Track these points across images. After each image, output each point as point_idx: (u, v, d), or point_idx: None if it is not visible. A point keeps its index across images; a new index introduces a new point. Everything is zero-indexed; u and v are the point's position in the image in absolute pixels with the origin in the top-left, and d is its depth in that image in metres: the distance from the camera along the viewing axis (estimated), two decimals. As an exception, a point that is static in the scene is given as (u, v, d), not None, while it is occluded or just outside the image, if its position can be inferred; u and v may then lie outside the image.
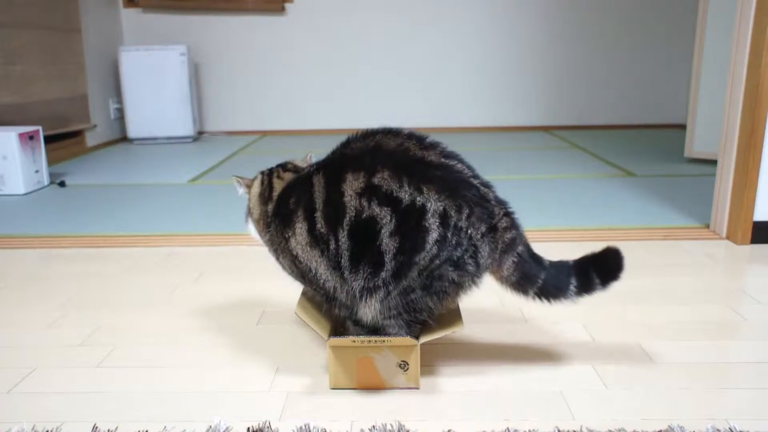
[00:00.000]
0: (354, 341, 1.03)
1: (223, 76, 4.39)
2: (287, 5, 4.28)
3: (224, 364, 1.17)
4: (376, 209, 0.97)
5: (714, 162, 2.93)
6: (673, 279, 1.57)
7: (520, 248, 1.04)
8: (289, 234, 1.04)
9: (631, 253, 1.76)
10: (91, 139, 3.85)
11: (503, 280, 1.05)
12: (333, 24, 4.32)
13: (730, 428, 0.94)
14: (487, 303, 1.42)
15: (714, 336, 1.25)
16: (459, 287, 1.02)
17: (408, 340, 1.02)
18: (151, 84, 4.04)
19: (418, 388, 1.06)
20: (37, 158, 2.79)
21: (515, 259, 1.04)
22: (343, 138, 1.07)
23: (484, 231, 1.00)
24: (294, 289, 1.17)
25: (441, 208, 0.97)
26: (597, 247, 1.84)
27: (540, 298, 1.06)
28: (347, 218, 0.98)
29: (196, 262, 1.75)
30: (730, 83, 1.85)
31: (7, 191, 2.68)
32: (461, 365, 1.15)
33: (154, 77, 4.04)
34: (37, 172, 2.78)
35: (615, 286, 1.52)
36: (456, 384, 1.08)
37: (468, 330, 1.28)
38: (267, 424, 0.97)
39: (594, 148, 3.62)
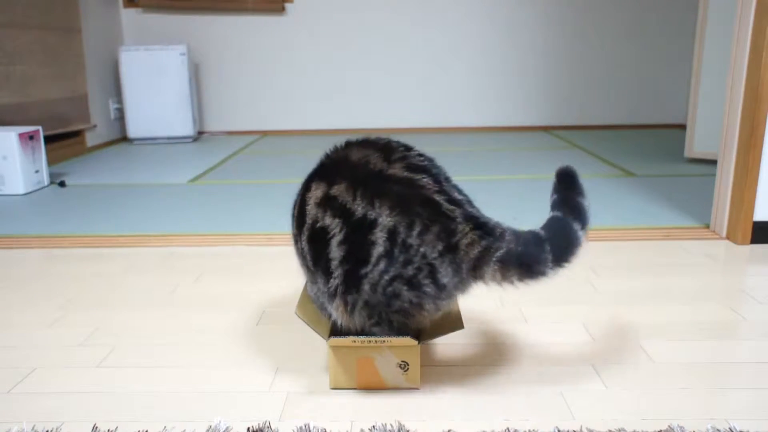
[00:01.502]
0: (354, 341, 1.03)
1: (223, 76, 4.39)
2: (287, 5, 4.28)
3: (224, 364, 1.17)
4: (328, 220, 0.99)
5: (714, 162, 2.93)
6: (673, 279, 1.57)
7: (499, 254, 0.96)
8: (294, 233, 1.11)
9: (630, 253, 1.77)
10: (91, 139, 3.85)
11: (507, 284, 0.99)
12: (333, 24, 4.32)
13: (730, 428, 0.94)
14: (487, 303, 1.42)
15: (714, 336, 1.25)
16: (420, 308, 0.99)
17: (408, 341, 1.02)
18: (151, 84, 4.05)
19: (418, 388, 1.06)
20: (37, 158, 2.79)
21: (498, 266, 0.97)
22: (342, 138, 1.08)
23: (441, 250, 0.95)
24: (294, 289, 1.17)
25: (391, 223, 0.95)
26: (597, 246, 1.84)
27: (557, 268, 0.99)
28: (306, 225, 1.03)
29: (196, 262, 1.75)
30: (730, 83, 1.85)
31: (7, 191, 2.68)
32: (461, 365, 1.15)
33: (154, 77, 4.04)
34: (37, 172, 2.78)
35: (615, 286, 1.53)
36: (456, 384, 1.08)
37: (468, 330, 1.28)
38: (267, 424, 0.97)
39: (594, 148, 3.62)
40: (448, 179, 1.04)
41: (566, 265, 1.00)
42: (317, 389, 1.07)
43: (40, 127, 2.84)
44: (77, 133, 3.70)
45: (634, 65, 4.38)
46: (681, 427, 0.94)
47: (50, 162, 3.25)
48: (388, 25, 4.32)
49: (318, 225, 1.01)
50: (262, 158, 3.48)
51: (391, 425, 0.96)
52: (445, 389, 1.07)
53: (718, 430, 0.93)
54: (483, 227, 0.98)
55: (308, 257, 1.04)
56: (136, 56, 4.02)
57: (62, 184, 2.83)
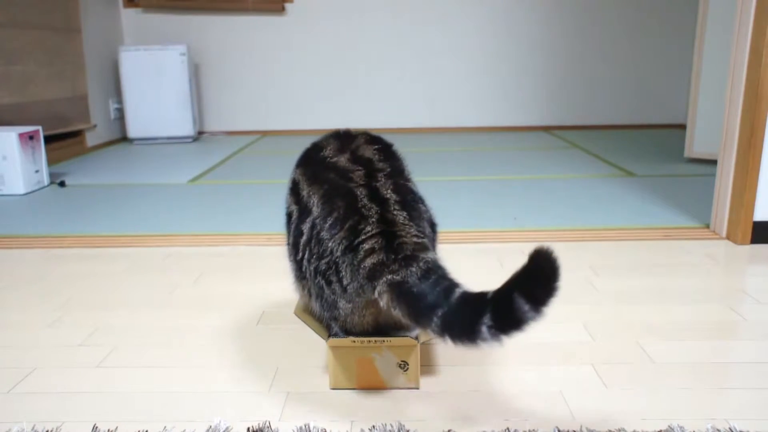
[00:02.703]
0: (354, 341, 1.03)
1: (223, 76, 4.39)
2: (287, 5, 4.28)
3: (224, 364, 1.17)
4: (292, 206, 1.03)
5: (714, 162, 2.93)
6: (673, 279, 1.57)
7: (393, 276, 0.87)
8: None
9: (630, 253, 1.77)
10: (91, 139, 3.85)
11: (391, 310, 0.89)
12: (333, 24, 4.32)
13: (730, 428, 0.94)
14: (487, 303, 1.42)
15: (714, 336, 1.25)
16: (337, 306, 0.95)
17: (408, 341, 1.02)
18: (151, 84, 4.05)
19: (418, 388, 1.06)
20: (37, 158, 2.79)
21: (385, 289, 0.88)
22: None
23: (344, 249, 0.91)
24: (293, 289, 1.17)
25: (316, 212, 0.95)
26: (597, 246, 1.84)
27: (448, 338, 0.83)
28: (285, 212, 1.08)
29: (196, 262, 1.75)
30: (730, 83, 1.85)
31: (7, 191, 2.68)
32: (461, 365, 1.15)
33: (154, 77, 4.04)
34: (37, 172, 2.78)
35: (615, 286, 1.53)
36: (456, 384, 1.08)
37: (468, 330, 1.28)
38: (267, 424, 0.97)
39: (594, 148, 3.62)
40: (393, 174, 0.97)
41: (454, 342, 0.83)
42: (317, 389, 1.07)
43: (40, 127, 2.84)
44: (77, 133, 3.70)
45: (634, 65, 4.38)
46: (681, 427, 0.94)
47: (50, 162, 3.25)
48: (388, 25, 4.32)
49: (288, 210, 1.06)
50: (262, 158, 3.48)
51: (391, 425, 0.96)
52: (445, 389, 1.07)
53: (718, 430, 0.93)
54: (391, 238, 0.90)
55: (286, 242, 1.08)
56: (136, 56, 4.02)
57: (62, 184, 2.83)
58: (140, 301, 1.49)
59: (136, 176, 3.06)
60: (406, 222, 0.93)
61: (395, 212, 0.93)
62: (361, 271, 0.90)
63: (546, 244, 0.80)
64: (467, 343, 0.82)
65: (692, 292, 1.48)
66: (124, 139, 4.27)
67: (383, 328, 1.01)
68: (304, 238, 0.97)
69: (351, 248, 0.91)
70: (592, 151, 3.50)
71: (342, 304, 0.95)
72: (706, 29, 2.83)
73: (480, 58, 4.37)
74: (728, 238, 1.88)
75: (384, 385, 1.06)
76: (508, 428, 0.95)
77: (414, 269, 0.88)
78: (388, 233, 0.91)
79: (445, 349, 1.21)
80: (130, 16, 4.31)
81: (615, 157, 3.30)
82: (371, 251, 0.90)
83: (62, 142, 3.50)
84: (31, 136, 2.76)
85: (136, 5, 4.26)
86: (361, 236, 0.90)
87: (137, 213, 2.33)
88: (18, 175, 2.67)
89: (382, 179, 0.97)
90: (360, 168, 0.98)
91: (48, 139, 3.21)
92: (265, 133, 4.48)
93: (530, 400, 1.03)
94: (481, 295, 0.83)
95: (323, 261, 0.93)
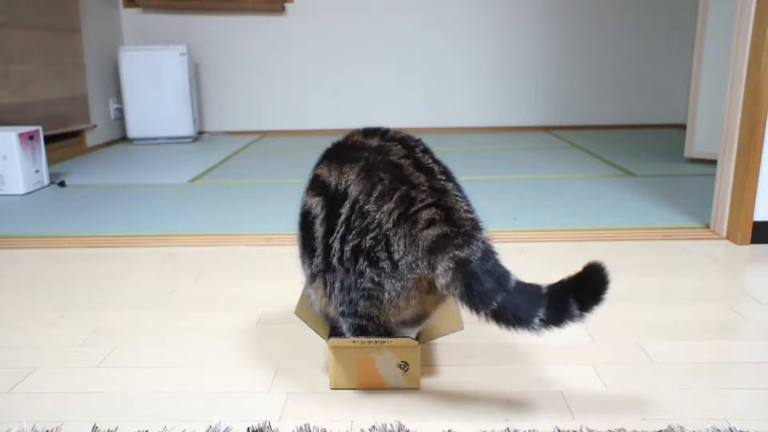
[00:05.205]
0: (354, 342, 1.03)
1: (223, 76, 4.39)
2: (287, 5, 4.28)
3: (224, 364, 1.17)
4: (311, 200, 0.99)
5: (714, 162, 2.93)
6: (673, 279, 1.57)
7: (458, 253, 0.85)
8: None
9: (630, 253, 1.77)
10: (91, 139, 3.85)
11: (445, 289, 0.87)
12: (333, 24, 4.32)
13: (730, 428, 0.94)
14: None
15: (714, 336, 1.25)
16: (382, 289, 0.91)
17: (408, 341, 1.02)
18: (151, 84, 4.05)
19: (418, 388, 1.06)
20: (37, 158, 2.79)
21: (451, 266, 0.85)
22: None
23: (396, 219, 0.86)
24: (293, 289, 1.17)
25: (356, 191, 0.91)
26: (596, 246, 1.84)
27: (495, 322, 0.87)
28: (298, 211, 1.03)
29: (196, 262, 1.75)
30: (730, 83, 1.85)
31: (7, 191, 2.68)
32: (461, 365, 1.15)
33: (154, 77, 4.04)
34: (37, 172, 2.78)
35: (615, 287, 1.53)
36: (456, 384, 1.08)
37: (468, 330, 1.28)
38: (267, 424, 0.97)
39: (594, 148, 3.62)
40: (427, 151, 0.97)
41: (499, 325, 0.88)
42: (317, 389, 1.07)
43: (40, 127, 2.84)
44: (77, 133, 3.70)
45: (634, 65, 4.38)
46: (681, 427, 0.94)
47: (50, 162, 3.25)
48: (387, 25, 4.32)
49: (305, 208, 1.01)
50: (262, 158, 3.48)
51: (391, 425, 0.96)
52: (445, 389, 1.07)
53: (718, 430, 0.93)
54: (448, 211, 0.87)
55: (299, 243, 1.04)
56: (136, 56, 4.02)
57: (62, 184, 2.83)
58: (140, 301, 1.49)
59: (136, 176, 3.06)
60: (456, 193, 0.91)
61: (443, 182, 0.91)
62: (420, 242, 0.86)
63: (600, 260, 0.89)
64: (516, 329, 0.88)
65: (692, 292, 1.48)
66: (124, 139, 4.27)
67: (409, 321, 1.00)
68: (342, 217, 0.90)
69: (406, 217, 0.86)
70: (592, 151, 3.50)
71: (390, 285, 0.89)
72: (706, 29, 2.83)
73: (480, 58, 4.37)
74: (728, 238, 1.88)
75: (384, 385, 1.06)
76: (508, 428, 0.95)
77: (475, 248, 0.86)
78: (443, 205, 0.88)
79: (445, 349, 1.21)
80: (130, 16, 4.31)
81: (615, 157, 3.30)
82: (432, 222, 0.86)
83: (62, 142, 3.51)
84: (31, 136, 2.76)
85: (136, 5, 4.26)
86: (417, 204, 0.87)
87: (137, 213, 2.33)
88: (18, 175, 2.67)
89: (420, 153, 0.95)
90: (396, 143, 0.95)
91: (48, 139, 3.21)
92: (265, 133, 4.48)
93: (530, 400, 1.03)
94: (537, 288, 0.89)
95: (368, 237, 0.88)
